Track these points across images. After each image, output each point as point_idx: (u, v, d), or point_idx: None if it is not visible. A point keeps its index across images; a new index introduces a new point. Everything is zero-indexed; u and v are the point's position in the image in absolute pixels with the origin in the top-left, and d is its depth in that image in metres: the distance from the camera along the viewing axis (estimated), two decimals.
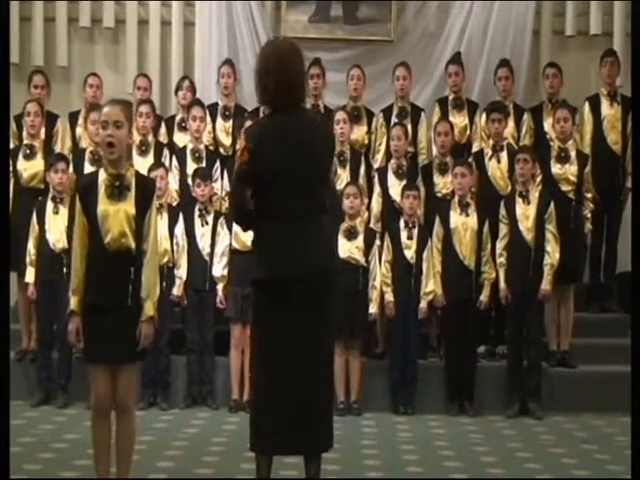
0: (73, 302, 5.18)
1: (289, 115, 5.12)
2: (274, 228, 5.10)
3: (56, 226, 8.28)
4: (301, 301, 5.05)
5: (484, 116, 9.25)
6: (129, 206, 5.16)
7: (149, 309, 5.15)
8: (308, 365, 5.08)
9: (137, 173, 5.34)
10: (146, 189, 5.26)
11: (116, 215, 5.13)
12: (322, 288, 5.12)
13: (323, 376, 5.18)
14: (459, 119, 9.56)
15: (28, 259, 8.34)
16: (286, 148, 5.05)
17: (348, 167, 8.99)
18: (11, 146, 8.91)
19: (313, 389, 5.08)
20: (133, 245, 5.15)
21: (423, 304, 8.36)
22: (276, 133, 5.09)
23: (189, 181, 8.80)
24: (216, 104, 9.62)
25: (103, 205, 5.14)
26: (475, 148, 9.40)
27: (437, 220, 8.46)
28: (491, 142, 9.03)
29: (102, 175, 5.21)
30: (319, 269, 5.10)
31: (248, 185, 5.11)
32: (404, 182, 8.75)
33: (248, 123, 8.79)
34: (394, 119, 9.39)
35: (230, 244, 8.33)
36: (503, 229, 8.38)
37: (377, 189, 8.98)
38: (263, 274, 5.13)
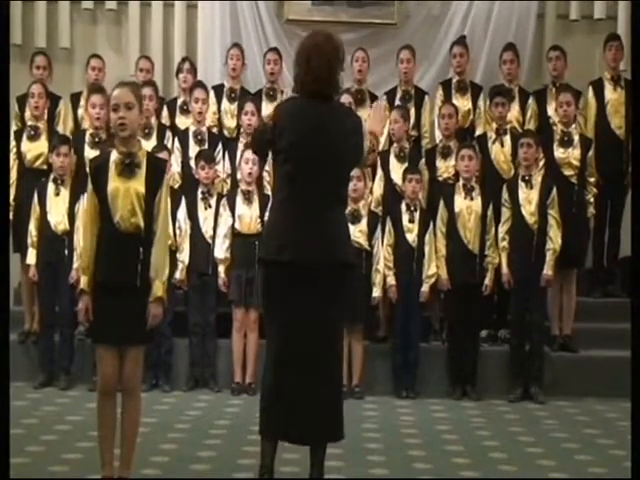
0: (83, 281, 5.19)
1: (318, 103, 5.22)
2: (285, 211, 5.20)
3: (57, 208, 8.26)
4: (308, 288, 5.10)
5: (488, 100, 9.23)
6: (139, 185, 5.16)
7: (158, 289, 5.15)
8: (315, 353, 5.12)
9: (148, 153, 5.38)
10: (157, 169, 5.27)
11: (126, 193, 5.13)
12: (329, 278, 5.15)
13: (331, 365, 5.22)
14: (462, 103, 9.53)
15: (29, 241, 8.32)
16: (306, 134, 5.15)
17: None
18: (14, 127, 8.92)
19: (320, 379, 5.14)
20: (143, 225, 5.15)
21: (425, 287, 8.35)
22: (301, 115, 5.22)
23: (191, 164, 8.80)
24: (222, 85, 9.61)
25: (114, 183, 5.15)
26: (479, 132, 9.37)
27: (441, 204, 8.44)
28: (494, 126, 9.01)
29: (114, 155, 5.23)
30: (324, 258, 5.13)
31: (268, 140, 5.32)
32: (406, 165, 8.73)
33: (249, 105, 8.87)
34: (397, 102, 9.38)
35: (233, 227, 8.32)
36: (506, 213, 8.36)
37: (379, 172, 8.96)
38: (267, 254, 5.25)
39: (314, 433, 5.21)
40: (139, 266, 5.13)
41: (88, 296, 5.16)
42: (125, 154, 5.19)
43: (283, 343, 5.14)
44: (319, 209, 5.16)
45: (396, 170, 8.83)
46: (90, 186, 5.21)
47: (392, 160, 8.91)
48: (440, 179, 8.96)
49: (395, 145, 8.97)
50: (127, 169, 5.16)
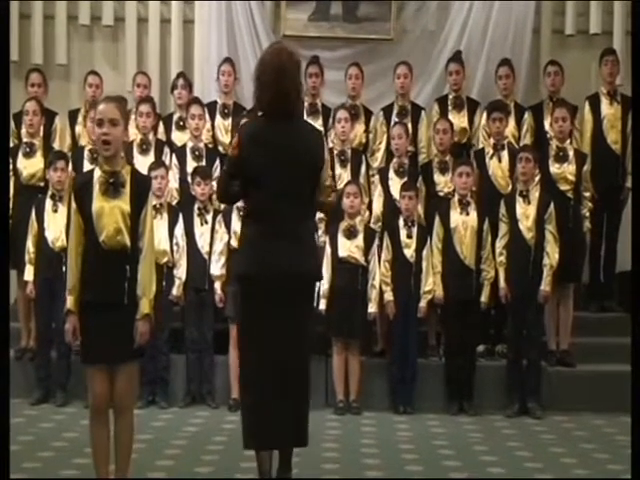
0: (69, 301, 5.15)
1: (282, 122, 5.35)
2: (256, 227, 5.39)
3: (55, 224, 8.26)
4: (276, 302, 5.29)
5: (485, 115, 9.24)
6: (124, 203, 5.14)
7: (145, 307, 5.14)
8: (282, 365, 5.32)
9: (132, 170, 5.33)
10: (142, 186, 5.25)
11: (111, 212, 5.11)
12: (297, 291, 5.37)
13: (297, 378, 5.41)
14: (458, 119, 9.53)
15: (27, 257, 8.32)
16: (272, 152, 5.30)
17: (349, 166, 8.99)
18: (10, 144, 8.92)
19: (287, 389, 5.33)
20: (129, 243, 5.13)
21: (422, 303, 8.34)
22: (265, 137, 5.35)
23: (189, 179, 8.80)
24: (215, 102, 9.61)
25: (98, 202, 5.12)
26: (476, 147, 9.38)
27: (437, 219, 8.43)
28: (492, 141, 9.01)
29: (97, 173, 5.21)
30: (293, 272, 5.32)
31: (234, 176, 5.45)
32: (405, 180, 8.73)
33: (245, 121, 8.86)
34: (394, 118, 9.38)
35: (229, 243, 8.31)
36: (503, 228, 8.36)
37: (378, 188, 8.96)
38: (239, 270, 5.52)
39: (287, 440, 5.46)
40: (126, 284, 5.12)
41: (75, 316, 5.14)
42: (109, 173, 5.16)
43: (256, 356, 5.34)
44: (290, 227, 5.35)
45: (395, 185, 8.81)
46: (74, 205, 5.17)
47: (391, 175, 8.91)
48: (441, 194, 8.95)
49: (395, 160, 8.97)
50: (112, 188, 5.14)
